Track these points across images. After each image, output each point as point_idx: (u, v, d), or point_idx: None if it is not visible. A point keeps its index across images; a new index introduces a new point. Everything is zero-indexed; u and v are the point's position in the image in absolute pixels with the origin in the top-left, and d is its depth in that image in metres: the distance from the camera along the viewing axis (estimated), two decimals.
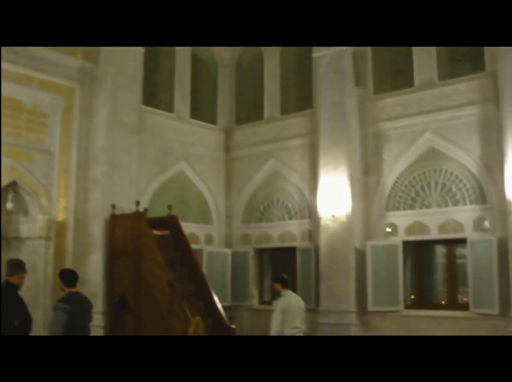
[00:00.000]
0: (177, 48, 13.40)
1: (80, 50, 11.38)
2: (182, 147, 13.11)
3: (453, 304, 10.82)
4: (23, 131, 10.56)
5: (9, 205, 10.35)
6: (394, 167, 11.49)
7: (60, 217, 10.84)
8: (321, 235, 11.79)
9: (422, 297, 11.37)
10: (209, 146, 13.83)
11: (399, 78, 11.91)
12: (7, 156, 10.16)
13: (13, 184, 10.36)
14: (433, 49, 11.29)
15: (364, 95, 12.06)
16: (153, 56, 13.00)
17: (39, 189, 10.59)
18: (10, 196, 10.36)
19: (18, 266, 6.43)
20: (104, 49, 11.54)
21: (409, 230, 11.23)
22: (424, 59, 11.38)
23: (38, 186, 10.59)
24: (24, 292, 6.58)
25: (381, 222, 11.55)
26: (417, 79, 11.45)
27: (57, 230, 10.75)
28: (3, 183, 10.13)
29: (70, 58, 11.23)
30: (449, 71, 11.31)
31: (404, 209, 11.37)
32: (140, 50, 12.06)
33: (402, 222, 11.33)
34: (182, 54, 13.52)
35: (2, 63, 10.24)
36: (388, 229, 11.42)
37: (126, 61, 11.76)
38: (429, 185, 11.13)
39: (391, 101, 11.67)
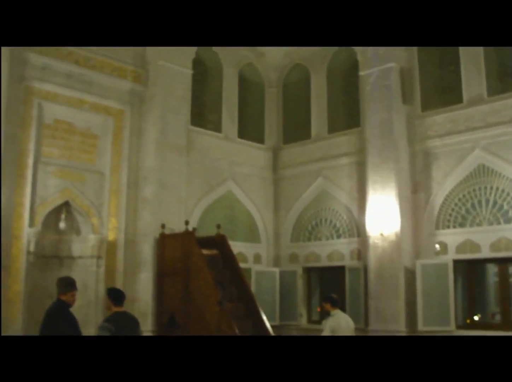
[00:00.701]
0: (225, 69, 13.58)
1: (130, 72, 11.66)
2: (230, 166, 13.22)
3: (507, 324, 10.55)
4: (75, 152, 10.85)
5: (62, 225, 10.61)
6: (443, 184, 11.33)
7: (111, 236, 11.04)
8: (370, 254, 11.68)
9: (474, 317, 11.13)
10: (257, 165, 13.91)
11: (447, 95, 11.79)
12: (60, 177, 10.46)
13: (66, 204, 10.62)
14: (482, 64, 11.14)
15: (412, 112, 11.96)
16: (201, 77, 13.20)
17: (90, 209, 10.83)
18: (63, 216, 10.62)
19: (69, 284, 6.52)
20: (153, 71, 11.81)
21: (460, 248, 11.02)
22: (473, 74, 11.22)
23: (89, 206, 10.82)
24: (76, 310, 6.67)
25: (430, 241, 11.37)
26: (465, 95, 11.30)
27: (108, 249, 10.95)
28: (57, 203, 10.42)
29: (121, 81, 11.52)
30: (499, 87, 11.12)
31: (454, 227, 11.18)
32: (188, 72, 12.27)
33: (452, 241, 11.13)
34: (230, 75, 13.69)
35: (55, 87, 10.60)
36: (438, 248, 11.24)
37: (175, 82, 11.99)
38: (479, 202, 10.92)
39: (440, 118, 11.54)
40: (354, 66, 12.82)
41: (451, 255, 11.05)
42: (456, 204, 11.20)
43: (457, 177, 11.21)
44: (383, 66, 11.91)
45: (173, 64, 12.00)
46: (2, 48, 9.56)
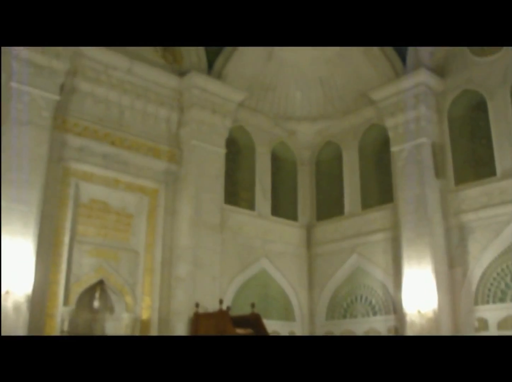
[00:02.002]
0: (257, 148, 13.78)
1: (165, 152, 11.93)
2: (264, 244, 13.21)
3: None
4: (110, 231, 11.00)
5: (96, 304, 10.63)
6: (480, 258, 11.10)
7: (145, 315, 11.00)
8: (407, 331, 11.37)
9: None
10: (290, 242, 13.87)
11: (480, 168, 11.72)
12: (94, 256, 10.58)
13: (100, 283, 10.67)
14: None
15: (445, 187, 11.90)
16: (234, 156, 13.43)
17: (124, 288, 10.86)
18: (97, 295, 10.66)
19: None
20: (187, 151, 12.06)
21: (502, 324, 10.67)
22: (505, 147, 11.18)
23: (123, 285, 10.86)
24: None
25: (470, 317, 11.05)
26: (499, 168, 11.22)
27: (142, 328, 10.89)
28: (92, 282, 10.48)
29: (156, 161, 11.78)
30: None
31: (494, 302, 10.87)
32: (221, 151, 12.50)
33: (493, 316, 10.80)
34: (262, 153, 13.89)
35: (92, 167, 10.88)
36: (477, 324, 10.91)
37: (208, 161, 12.20)
38: None
39: (473, 192, 11.44)
40: (385, 142, 12.91)
41: (492, 331, 10.70)
42: (494, 279, 10.94)
43: (494, 251, 10.99)
44: (414, 142, 11.98)
45: (206, 143, 12.26)
46: (42, 131, 9.93)
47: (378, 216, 12.97)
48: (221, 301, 10.80)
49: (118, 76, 11.49)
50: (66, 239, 10.26)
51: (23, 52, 9.90)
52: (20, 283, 9.11)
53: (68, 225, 10.35)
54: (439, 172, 11.99)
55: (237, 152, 13.63)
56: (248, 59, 13.20)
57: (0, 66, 10.04)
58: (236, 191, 13.52)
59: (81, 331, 10.43)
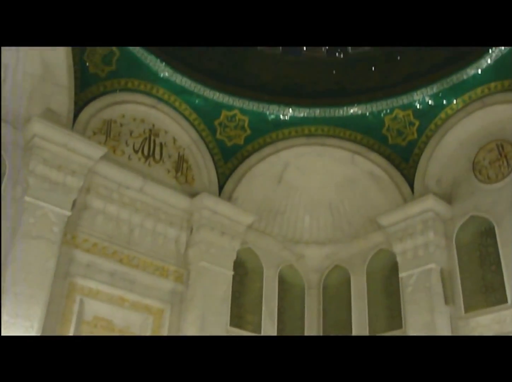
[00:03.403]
0: (265, 270, 13.68)
1: (172, 272, 11.90)
2: None
3: None
4: None
5: None
6: None
7: None
8: None
9: None
10: None
11: (490, 295, 11.51)
12: None
13: None
14: None
15: (455, 314, 11.65)
16: (241, 278, 13.33)
17: None
18: None
19: None
20: (194, 272, 12.05)
21: None
22: None
23: None
24: None
25: None
26: (510, 295, 11.02)
27: None
28: None
29: (163, 280, 11.73)
30: None
31: None
32: (229, 273, 12.45)
33: None
34: (270, 276, 13.79)
35: (98, 284, 10.83)
36: None
37: (216, 284, 12.11)
38: None
39: (485, 319, 11.18)
40: (393, 268, 12.84)
41: None
42: None
43: None
44: (423, 268, 11.92)
45: (214, 265, 12.22)
46: (51, 246, 9.99)
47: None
48: None
49: (130, 194, 11.71)
50: None
51: (39, 167, 10.19)
52: None
53: None
54: (448, 298, 11.80)
55: (244, 274, 13.55)
56: (258, 182, 13.48)
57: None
58: (242, 314, 13.29)
59: None
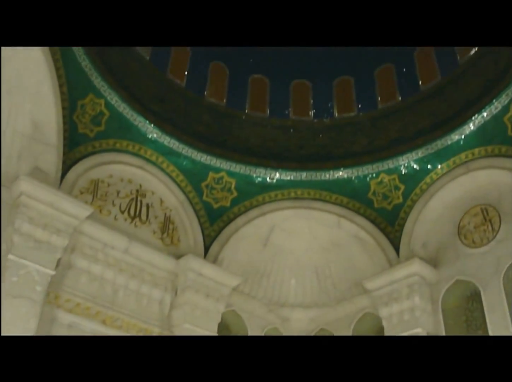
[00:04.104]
0: (250, 333, 13.48)
1: (155, 334, 11.69)
2: None
3: None
4: None
5: None
6: None
7: None
8: None
9: None
10: None
11: None
12: None
13: None
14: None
15: None
16: None
17: None
18: None
19: None
20: (178, 334, 11.82)
21: None
22: None
23: None
24: None
25: None
26: None
27: None
28: None
29: None
30: None
31: None
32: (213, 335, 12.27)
33: None
34: None
35: None
36: None
37: None
38: None
39: None
40: (379, 332, 12.70)
41: None
42: None
43: None
44: (409, 332, 11.80)
45: (198, 327, 12.02)
46: (33, 306, 9.81)
47: None
48: None
49: (115, 255, 11.62)
50: None
51: (24, 225, 10.13)
52: None
53: None
54: None
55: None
56: (243, 245, 13.46)
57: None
58: None
59: None
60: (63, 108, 11.29)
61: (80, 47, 11.53)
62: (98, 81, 11.99)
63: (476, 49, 13.27)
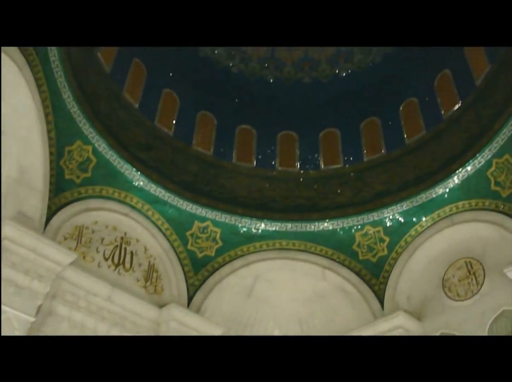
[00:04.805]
0: None
1: None
2: None
3: None
4: None
5: None
6: None
7: None
8: None
9: None
10: None
11: None
12: None
13: None
14: None
15: None
16: None
17: None
18: None
19: None
20: None
21: None
22: None
23: None
24: None
25: None
26: None
27: None
28: None
29: None
30: None
31: None
32: None
33: None
34: None
35: None
36: None
37: None
38: None
39: None
40: None
41: None
42: None
43: None
44: None
45: None
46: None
47: None
48: None
49: (98, 302, 11.46)
50: None
51: (5, 270, 10.00)
52: None
53: None
54: None
55: None
56: (227, 295, 13.36)
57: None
58: None
59: None
60: (51, 154, 11.29)
61: (69, 94, 11.60)
62: (86, 128, 12.04)
63: (460, 104, 13.52)
